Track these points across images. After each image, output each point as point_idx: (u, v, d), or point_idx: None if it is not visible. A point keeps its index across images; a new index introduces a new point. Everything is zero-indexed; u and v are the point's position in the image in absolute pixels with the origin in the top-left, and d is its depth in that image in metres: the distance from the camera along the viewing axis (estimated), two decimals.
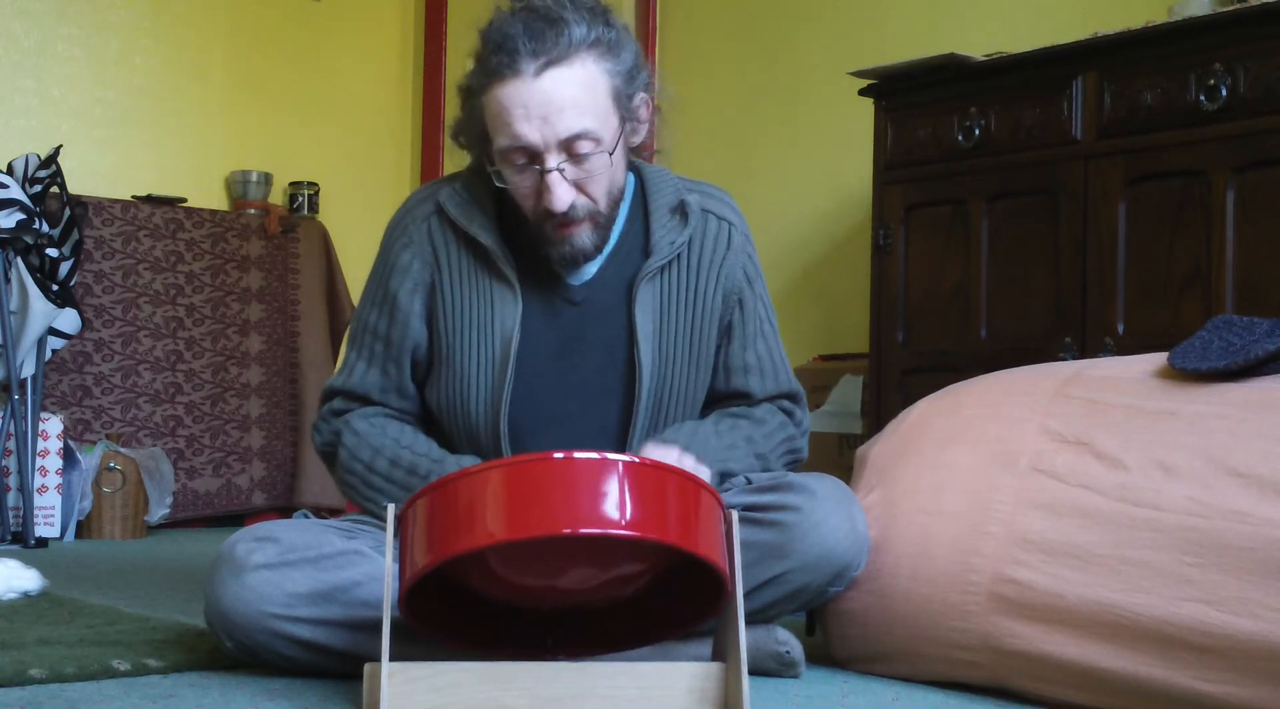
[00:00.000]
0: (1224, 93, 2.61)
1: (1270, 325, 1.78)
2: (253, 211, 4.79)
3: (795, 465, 2.05)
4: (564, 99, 1.78)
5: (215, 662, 1.87)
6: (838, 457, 3.41)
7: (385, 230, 2.02)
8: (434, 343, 1.95)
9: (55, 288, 3.94)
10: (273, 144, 5.04)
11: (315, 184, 5.00)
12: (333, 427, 1.99)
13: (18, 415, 3.90)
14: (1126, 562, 1.63)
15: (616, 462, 1.45)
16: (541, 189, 1.82)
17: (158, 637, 2.07)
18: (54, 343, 4.09)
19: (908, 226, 3.18)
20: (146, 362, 4.47)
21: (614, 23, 1.85)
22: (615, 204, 1.92)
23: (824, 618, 1.96)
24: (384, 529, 1.74)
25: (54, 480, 4.01)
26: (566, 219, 1.84)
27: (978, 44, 3.32)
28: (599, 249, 1.91)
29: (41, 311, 3.87)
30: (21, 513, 3.86)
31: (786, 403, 2.04)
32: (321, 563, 1.76)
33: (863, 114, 3.38)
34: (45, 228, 3.94)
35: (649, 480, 1.45)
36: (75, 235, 4.08)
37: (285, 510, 4.56)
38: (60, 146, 4.13)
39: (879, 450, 2.01)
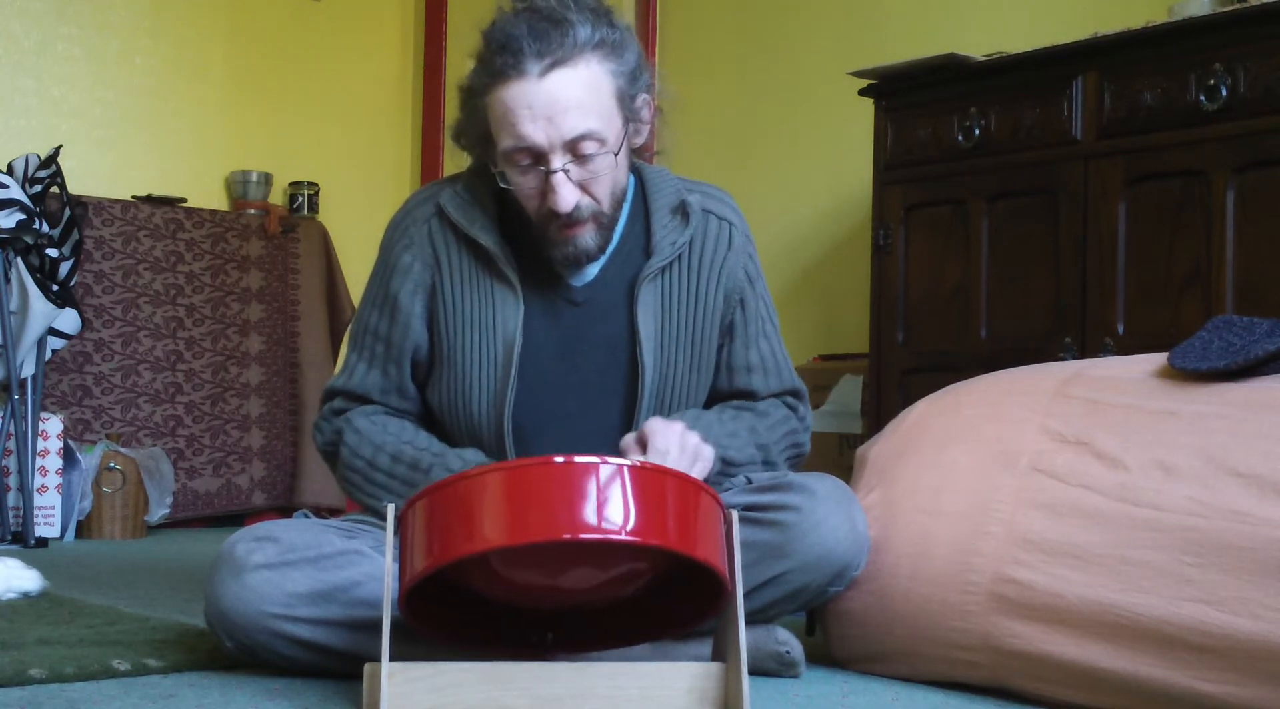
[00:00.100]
0: (1224, 93, 2.61)
1: (1270, 325, 1.78)
2: (253, 211, 4.79)
3: (798, 459, 2.05)
4: (569, 100, 1.78)
5: (215, 662, 1.87)
6: (838, 457, 3.41)
7: (385, 231, 2.02)
8: (435, 344, 1.95)
9: (55, 288, 3.94)
10: (273, 144, 5.04)
11: (315, 184, 5.00)
12: (334, 426, 1.99)
13: (18, 415, 3.90)
14: (1126, 562, 1.63)
15: (617, 466, 1.45)
16: (546, 190, 1.82)
17: (158, 637, 2.07)
18: (54, 343, 4.09)
19: (908, 226, 3.18)
20: (146, 362, 4.47)
21: (617, 23, 1.85)
22: (618, 205, 1.92)
23: (824, 618, 1.96)
24: (384, 529, 1.74)
25: (54, 480, 4.01)
26: (571, 220, 1.84)
27: (978, 44, 3.32)
28: (602, 249, 1.91)
29: (41, 312, 3.87)
30: (21, 513, 3.86)
31: (790, 399, 2.05)
32: (321, 563, 1.76)
33: (863, 114, 3.38)
34: (45, 228, 3.95)
35: (649, 483, 1.45)
36: (75, 235, 4.08)
37: (285, 510, 4.56)
38: (60, 146, 4.13)
39: (879, 450, 2.01)
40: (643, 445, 1.78)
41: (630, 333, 1.94)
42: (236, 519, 4.59)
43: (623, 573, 1.57)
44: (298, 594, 1.74)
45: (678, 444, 1.78)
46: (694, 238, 1.97)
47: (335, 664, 1.77)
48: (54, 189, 4.07)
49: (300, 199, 4.95)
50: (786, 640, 1.87)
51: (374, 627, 1.68)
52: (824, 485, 1.86)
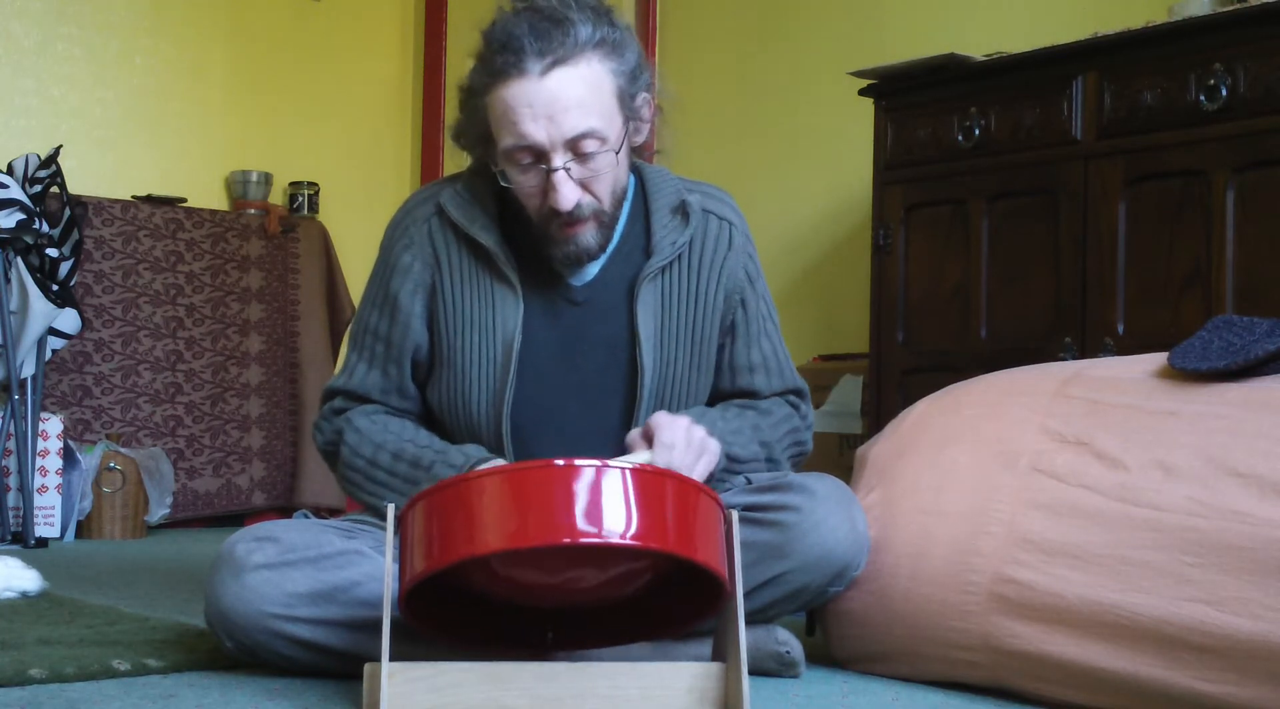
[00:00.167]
0: (1224, 93, 2.61)
1: (1270, 325, 1.78)
2: (253, 211, 4.79)
3: (800, 458, 2.05)
4: (570, 98, 1.78)
5: (215, 662, 1.87)
6: (838, 457, 3.41)
7: (385, 231, 2.02)
8: (435, 344, 1.95)
9: (55, 288, 3.94)
10: (273, 144, 5.04)
11: (315, 184, 5.00)
12: (334, 425, 1.99)
13: (18, 415, 3.90)
14: (1126, 562, 1.63)
15: (617, 469, 1.45)
16: (547, 188, 1.82)
17: (158, 637, 2.07)
18: (54, 343, 4.09)
19: (908, 226, 3.18)
20: (146, 362, 4.47)
21: (617, 23, 1.85)
22: (619, 204, 1.92)
23: (824, 618, 1.96)
24: (384, 529, 1.74)
25: (54, 480, 4.01)
26: (572, 218, 1.84)
27: (978, 44, 3.32)
28: (602, 249, 1.91)
29: (41, 312, 3.87)
30: (21, 513, 3.86)
31: (793, 398, 2.06)
32: (321, 563, 1.76)
33: (863, 114, 3.38)
34: (45, 228, 3.95)
35: (648, 486, 1.45)
36: (75, 235, 4.08)
37: (285, 510, 4.56)
38: (60, 146, 4.13)
39: (879, 450, 2.01)
40: (648, 439, 1.78)
41: (630, 333, 1.94)
42: (236, 519, 4.59)
43: (622, 572, 1.57)
44: (298, 594, 1.74)
45: (684, 438, 1.78)
46: (694, 238, 1.97)
47: (335, 664, 1.77)
48: (54, 189, 4.07)
49: (300, 199, 4.96)
50: (786, 640, 1.87)
51: (374, 627, 1.68)
52: (824, 485, 1.86)
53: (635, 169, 2.00)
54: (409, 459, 1.89)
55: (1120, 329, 2.76)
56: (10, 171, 4.03)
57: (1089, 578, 1.66)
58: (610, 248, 1.95)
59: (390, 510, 1.57)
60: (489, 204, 1.94)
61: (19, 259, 3.85)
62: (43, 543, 3.81)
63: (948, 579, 1.79)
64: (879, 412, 3.16)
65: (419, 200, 2.00)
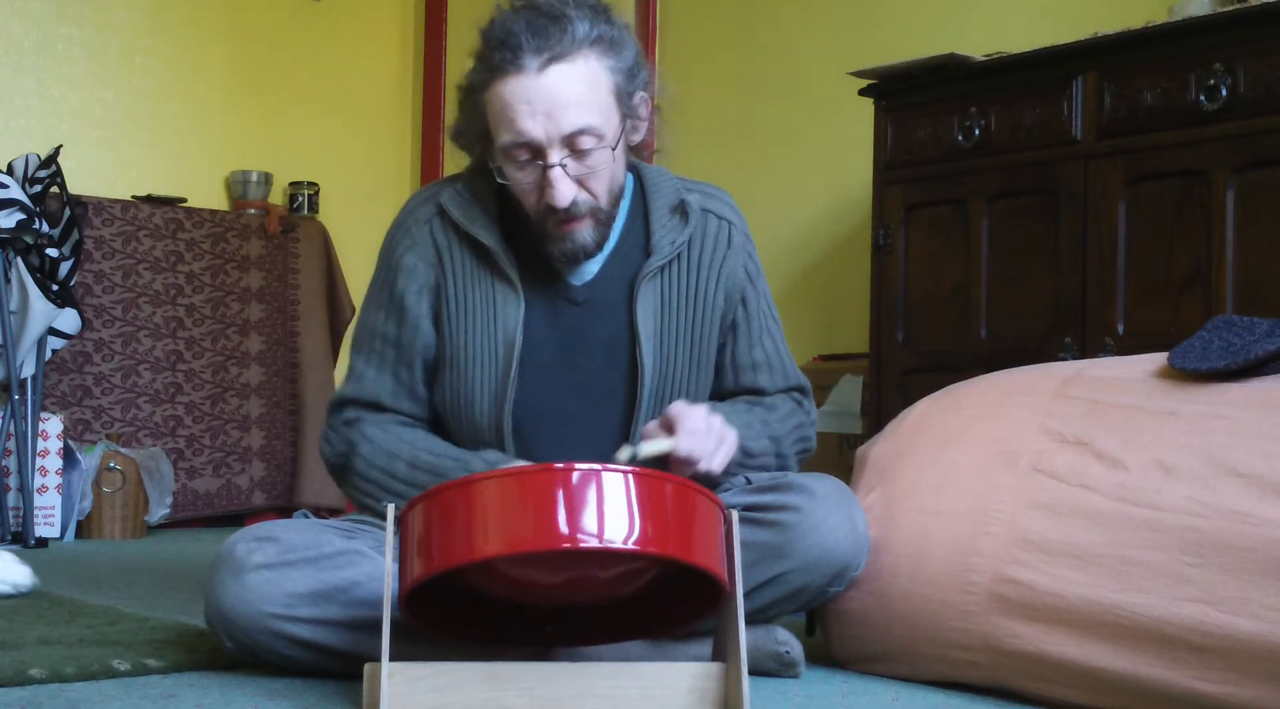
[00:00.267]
0: (1224, 93, 2.61)
1: (1270, 325, 1.78)
2: (253, 211, 4.79)
3: (805, 454, 2.06)
4: (567, 95, 1.79)
5: (215, 662, 1.87)
6: (838, 457, 3.41)
7: (387, 233, 2.02)
8: (439, 344, 1.95)
9: (55, 288, 3.94)
10: (273, 144, 5.04)
11: (315, 184, 5.00)
12: (345, 436, 1.96)
13: (18, 415, 3.90)
14: (1126, 562, 1.63)
15: (617, 472, 1.45)
16: (544, 185, 1.83)
17: (158, 637, 2.07)
18: (54, 343, 4.09)
19: (908, 226, 3.18)
20: (146, 362, 4.47)
21: (615, 20, 1.86)
22: (616, 201, 1.92)
23: (824, 618, 1.96)
24: (384, 529, 1.74)
25: (54, 480, 4.01)
26: (568, 215, 1.85)
27: (978, 44, 3.32)
28: (600, 246, 1.91)
29: (41, 312, 3.87)
30: (21, 513, 3.86)
31: (796, 394, 2.06)
32: (321, 563, 1.76)
33: (863, 114, 3.38)
34: (45, 228, 3.95)
35: (648, 490, 1.45)
36: (75, 235, 4.08)
37: (285, 510, 4.56)
38: (60, 146, 4.13)
39: (879, 450, 2.01)
40: (668, 428, 1.79)
41: (630, 332, 1.94)
42: (236, 519, 4.59)
43: (622, 573, 1.57)
44: (298, 594, 1.74)
45: (704, 426, 1.79)
46: (693, 237, 1.98)
47: (335, 664, 1.77)
48: (54, 189, 4.07)
49: (300, 199, 4.95)
50: (786, 640, 1.87)
51: (374, 627, 1.68)
52: (824, 485, 1.86)
53: (634, 168, 2.00)
54: (427, 468, 1.89)
55: (1120, 329, 2.76)
56: (10, 171, 4.03)
57: (1089, 578, 1.66)
58: (609, 247, 1.95)
59: (390, 511, 1.57)
60: (489, 204, 1.94)
61: (19, 259, 3.85)
62: (43, 543, 3.81)
63: (948, 579, 1.79)
64: (879, 412, 3.16)
65: (419, 201, 2.00)
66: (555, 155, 1.81)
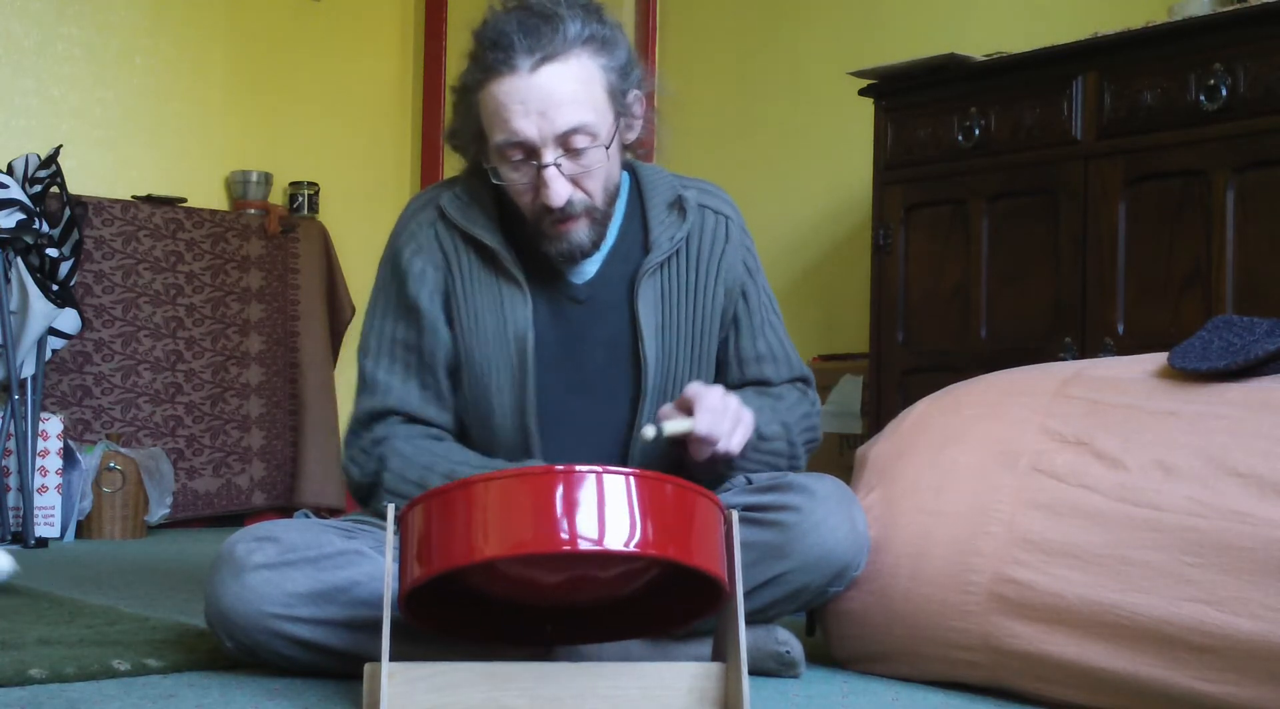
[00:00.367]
0: (1224, 93, 2.61)
1: (1270, 325, 1.78)
2: (253, 211, 4.79)
3: (813, 444, 2.06)
4: (561, 94, 1.79)
5: (215, 662, 1.87)
6: (838, 457, 3.41)
7: (390, 240, 2.00)
8: (454, 347, 1.95)
9: (55, 288, 3.94)
10: (273, 144, 5.04)
11: (315, 184, 5.00)
12: (376, 455, 1.91)
13: (18, 415, 3.90)
14: (1126, 562, 1.63)
15: (617, 475, 1.45)
16: (539, 184, 1.83)
17: (158, 637, 2.08)
18: (54, 343, 4.09)
19: (908, 226, 3.18)
20: (146, 362, 4.47)
21: (607, 20, 1.86)
22: (611, 200, 1.92)
23: (824, 618, 1.96)
24: (384, 529, 1.74)
25: (54, 480, 4.01)
26: (564, 215, 1.85)
27: (978, 44, 3.32)
28: (596, 246, 1.91)
29: (41, 312, 3.87)
30: (21, 513, 3.86)
31: (801, 385, 2.07)
32: (321, 563, 1.76)
33: (863, 114, 3.38)
34: (45, 228, 3.95)
35: (648, 492, 1.45)
36: (75, 235, 4.09)
37: (285, 510, 4.56)
38: (60, 146, 4.13)
39: (879, 450, 2.01)
40: (686, 409, 1.79)
41: (632, 328, 1.95)
42: (236, 519, 4.59)
43: (622, 573, 1.57)
44: (298, 594, 1.74)
45: (722, 405, 1.79)
46: (691, 233, 1.99)
47: (335, 664, 1.77)
48: (54, 189, 4.07)
49: (300, 199, 4.95)
50: (786, 640, 1.87)
51: (374, 627, 1.68)
52: (824, 485, 1.86)
53: (629, 167, 2.01)
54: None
55: (1120, 329, 2.76)
56: (10, 171, 4.03)
57: (1089, 578, 1.66)
58: (608, 245, 1.96)
59: (390, 510, 1.57)
60: (488, 205, 1.95)
61: (19, 259, 3.85)
62: (43, 543, 3.81)
63: (948, 579, 1.79)
64: (879, 412, 3.16)
65: (419, 206, 2.00)
66: (549, 154, 1.81)
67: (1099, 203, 2.81)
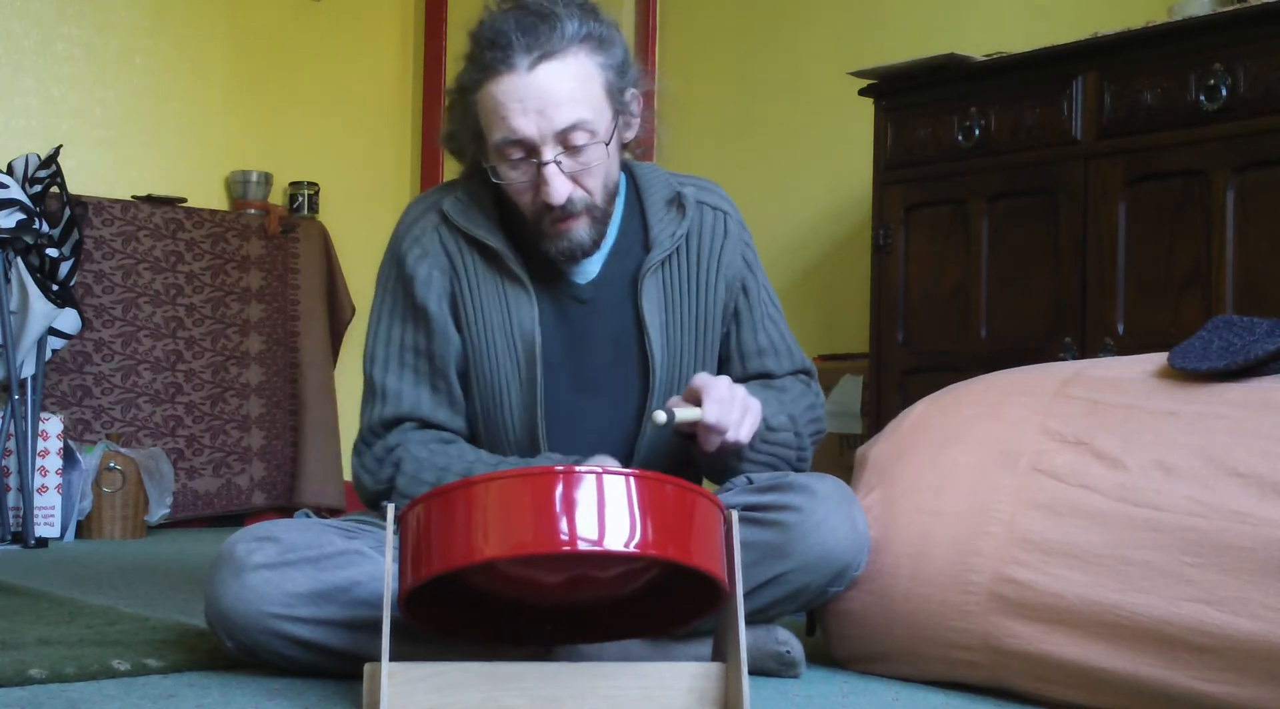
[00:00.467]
0: (1224, 93, 2.61)
1: (1270, 325, 1.78)
2: (253, 211, 4.79)
3: (818, 436, 2.07)
4: (559, 92, 1.80)
5: (215, 662, 1.87)
6: (838, 457, 3.41)
7: (391, 246, 2.00)
8: (463, 350, 1.95)
9: (55, 288, 3.94)
10: (273, 144, 5.04)
11: (315, 184, 5.00)
12: (389, 460, 1.90)
13: (18, 415, 3.90)
14: (1126, 562, 1.63)
15: (617, 475, 1.45)
16: (539, 182, 1.83)
17: (158, 637, 2.08)
18: (54, 343, 4.09)
19: (908, 226, 3.18)
20: (146, 362, 4.47)
21: (603, 18, 1.87)
22: (611, 198, 1.93)
23: (824, 618, 1.96)
24: (384, 529, 1.74)
25: (54, 480, 4.01)
26: (564, 213, 1.85)
27: (978, 44, 3.32)
28: (597, 244, 1.92)
29: (41, 312, 3.87)
30: (21, 513, 3.86)
31: (804, 377, 2.08)
32: (321, 563, 1.76)
33: (863, 114, 3.38)
34: (45, 228, 3.95)
35: (648, 492, 1.45)
36: (75, 235, 4.09)
37: (285, 510, 4.56)
38: (60, 146, 4.13)
39: (879, 450, 2.01)
40: (694, 400, 1.79)
41: (637, 327, 1.95)
42: (236, 519, 4.59)
43: (622, 573, 1.57)
44: (298, 594, 1.74)
45: (729, 395, 1.79)
46: (691, 229, 2.00)
47: (335, 664, 1.77)
48: (54, 189, 4.07)
49: (300, 199, 4.95)
50: (786, 640, 1.87)
51: (374, 627, 1.68)
52: (824, 485, 1.86)
53: (626, 167, 2.02)
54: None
55: (1120, 329, 2.76)
56: (10, 171, 4.03)
57: (1089, 578, 1.66)
58: (609, 244, 1.96)
59: (390, 510, 1.57)
60: (489, 207, 1.95)
61: (19, 259, 3.85)
62: (43, 543, 3.81)
63: (948, 579, 1.79)
64: (879, 412, 3.16)
65: (421, 210, 2.00)
66: (549, 152, 1.81)
67: (1099, 203, 2.81)
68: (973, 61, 3.05)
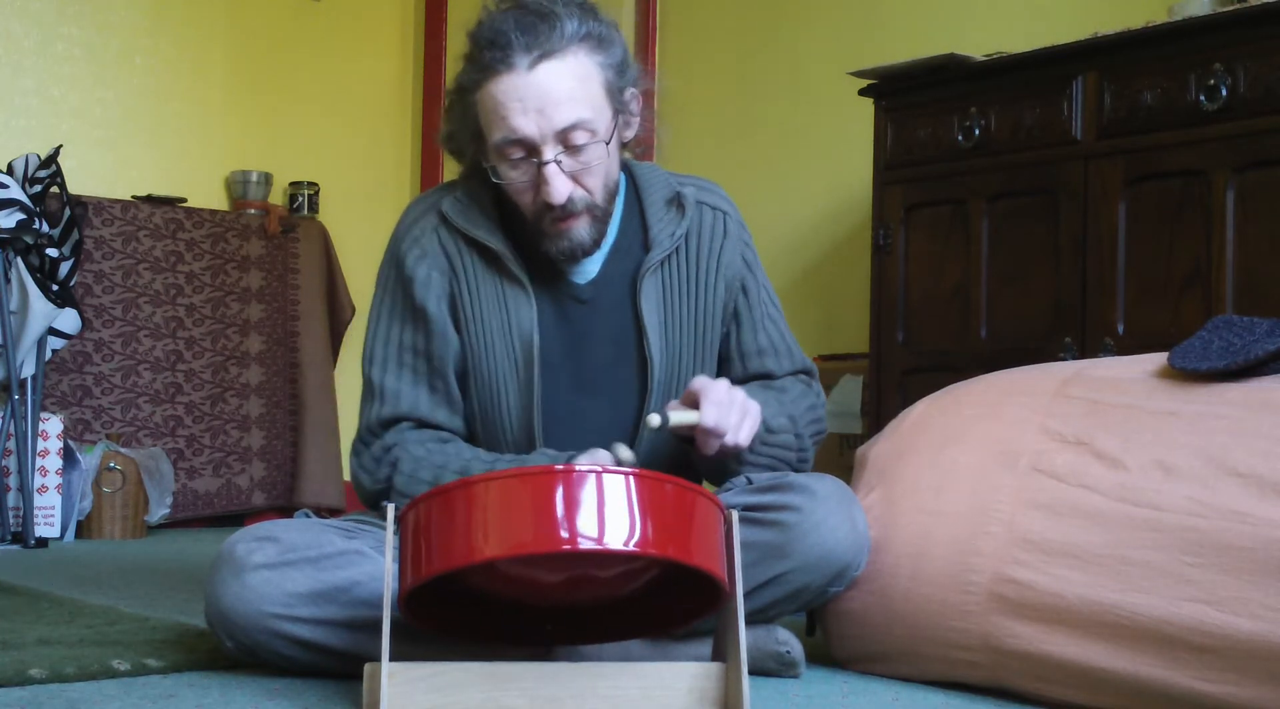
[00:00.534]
0: (1224, 93, 2.61)
1: (1270, 325, 1.78)
2: (253, 211, 4.79)
3: (819, 436, 2.07)
4: (559, 91, 1.80)
5: (215, 662, 1.87)
6: (838, 457, 3.41)
7: (391, 247, 2.00)
8: (461, 351, 1.95)
9: (55, 288, 3.94)
10: (273, 144, 5.04)
11: (315, 184, 5.00)
12: (387, 460, 1.91)
13: (18, 415, 3.90)
14: (1126, 562, 1.63)
15: (617, 474, 1.45)
16: (539, 182, 1.83)
17: (158, 637, 2.08)
18: (54, 343, 4.09)
19: (908, 226, 3.18)
20: (146, 362, 4.47)
21: (602, 18, 1.87)
22: (611, 197, 1.93)
23: (824, 618, 1.96)
24: (384, 529, 1.74)
25: (54, 480, 4.01)
26: (564, 212, 1.85)
27: (978, 44, 3.32)
28: (597, 244, 1.92)
29: (41, 312, 3.87)
30: (21, 513, 3.86)
31: (804, 377, 2.08)
32: (321, 563, 1.76)
33: (863, 114, 3.38)
34: (45, 228, 3.95)
35: (648, 491, 1.46)
36: (75, 235, 4.09)
37: (285, 510, 4.56)
38: (60, 146, 4.13)
39: (879, 450, 2.01)
40: (692, 403, 1.79)
41: (636, 326, 1.95)
42: (236, 519, 4.59)
43: (622, 572, 1.57)
44: (298, 594, 1.74)
45: (728, 398, 1.79)
46: (690, 229, 2.00)
47: (335, 664, 1.77)
48: (54, 189, 4.07)
49: (300, 199, 4.95)
50: (786, 640, 1.87)
51: (374, 627, 1.68)
52: (824, 485, 1.86)
53: (625, 166, 2.02)
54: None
55: (1120, 329, 2.76)
56: (10, 171, 4.03)
57: (1089, 578, 1.66)
58: (609, 244, 1.96)
59: (390, 510, 1.57)
60: (489, 207, 1.95)
61: (19, 259, 3.85)
62: (43, 543, 3.81)
63: (948, 579, 1.79)
64: (879, 412, 3.16)
65: (420, 211, 2.00)
66: (549, 151, 1.81)
67: (1099, 203, 2.81)
68: (973, 61, 3.05)
